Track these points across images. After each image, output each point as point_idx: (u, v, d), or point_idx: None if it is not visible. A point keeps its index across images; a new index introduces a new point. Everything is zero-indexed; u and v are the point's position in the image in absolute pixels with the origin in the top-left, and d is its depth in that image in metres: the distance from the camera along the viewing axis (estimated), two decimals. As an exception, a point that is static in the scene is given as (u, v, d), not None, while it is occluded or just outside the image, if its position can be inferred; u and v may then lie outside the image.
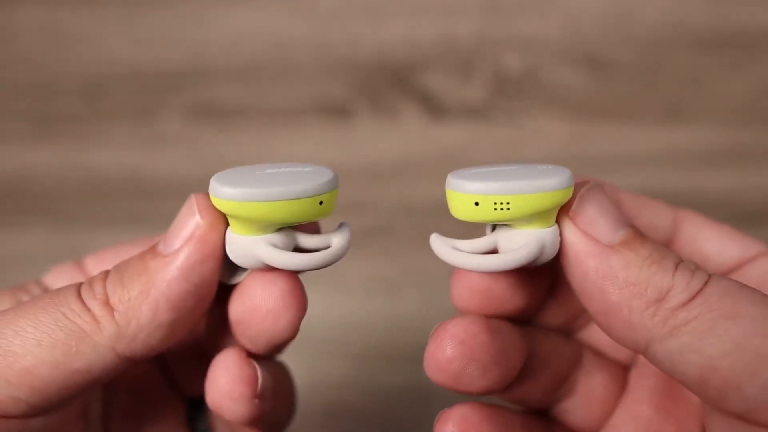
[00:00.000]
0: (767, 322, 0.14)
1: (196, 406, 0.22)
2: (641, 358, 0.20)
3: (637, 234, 0.16)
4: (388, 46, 0.40)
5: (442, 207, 0.40)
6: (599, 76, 0.39)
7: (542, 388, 0.20)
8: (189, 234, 0.17)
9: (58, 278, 0.20)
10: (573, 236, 0.16)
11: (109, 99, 0.40)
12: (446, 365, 0.17)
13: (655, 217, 0.20)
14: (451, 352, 0.17)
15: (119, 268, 0.17)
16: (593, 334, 0.21)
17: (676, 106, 0.39)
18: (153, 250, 0.17)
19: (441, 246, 0.18)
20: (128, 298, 0.16)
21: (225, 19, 0.41)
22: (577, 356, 0.20)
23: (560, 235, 0.17)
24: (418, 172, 0.38)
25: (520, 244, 0.17)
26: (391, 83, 0.40)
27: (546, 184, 0.16)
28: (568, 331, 0.21)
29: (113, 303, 0.16)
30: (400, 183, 0.38)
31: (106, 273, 0.17)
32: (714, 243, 0.19)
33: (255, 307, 0.17)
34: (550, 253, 0.17)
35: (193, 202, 0.17)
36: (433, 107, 0.39)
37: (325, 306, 0.34)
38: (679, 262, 0.16)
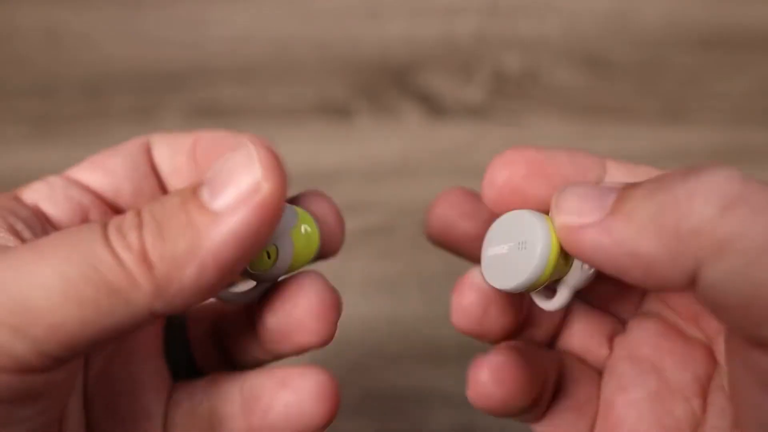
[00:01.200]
0: None
1: (173, 333, 0.21)
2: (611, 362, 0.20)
3: (626, 187, 0.15)
4: (388, 46, 0.40)
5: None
6: (599, 76, 0.39)
7: (545, 331, 0.20)
8: (247, 193, 0.15)
9: (53, 194, 0.18)
10: (572, 235, 0.16)
11: (109, 99, 0.40)
12: (468, 310, 0.18)
13: (585, 164, 0.18)
14: (471, 297, 0.18)
15: (155, 214, 0.15)
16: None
17: (676, 106, 0.39)
18: (196, 199, 0.15)
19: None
20: (171, 256, 0.14)
21: (225, 19, 0.41)
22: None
23: (563, 241, 0.16)
24: (418, 172, 0.38)
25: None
26: (391, 83, 0.40)
27: (537, 264, 0.17)
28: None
29: (152, 259, 0.14)
30: (400, 183, 0.38)
31: (139, 216, 0.15)
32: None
33: (299, 323, 0.17)
34: (587, 273, 0.18)
35: (252, 152, 0.15)
36: (433, 107, 0.39)
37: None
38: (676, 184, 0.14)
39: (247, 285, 0.18)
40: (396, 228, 0.37)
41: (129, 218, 0.15)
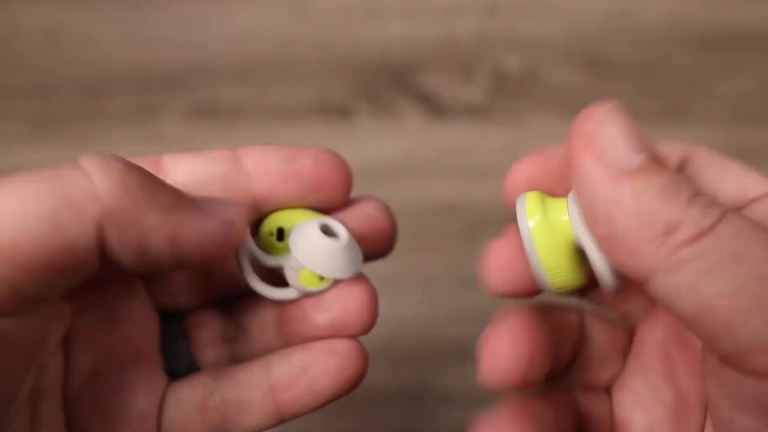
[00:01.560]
0: None
1: (170, 322, 0.21)
2: (621, 381, 0.20)
3: (655, 161, 0.15)
4: (388, 46, 0.40)
5: (442, 207, 0.40)
6: (599, 76, 0.39)
7: (559, 363, 0.20)
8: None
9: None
10: (585, 161, 0.16)
11: (109, 99, 0.40)
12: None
13: (667, 150, 0.19)
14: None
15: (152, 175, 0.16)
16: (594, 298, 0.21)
17: (676, 106, 0.39)
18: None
19: None
20: (146, 197, 0.15)
21: (225, 19, 0.41)
22: (582, 323, 0.20)
23: (572, 158, 0.16)
24: (418, 172, 0.38)
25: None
26: (391, 83, 0.40)
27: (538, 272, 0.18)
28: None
29: (127, 185, 0.15)
30: (400, 183, 0.38)
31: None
32: (710, 185, 0.18)
33: (354, 317, 0.19)
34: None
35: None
36: (433, 107, 0.39)
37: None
38: (695, 195, 0.15)
39: (288, 293, 0.19)
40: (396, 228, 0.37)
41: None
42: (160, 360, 0.20)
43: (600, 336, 0.20)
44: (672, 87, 0.39)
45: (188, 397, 0.19)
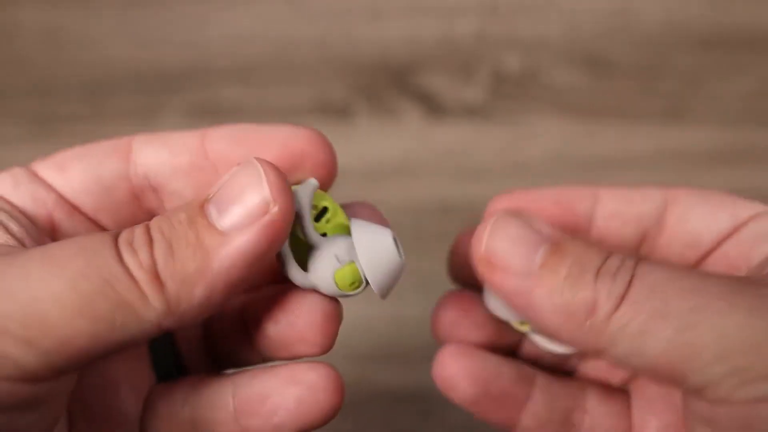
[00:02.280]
0: (693, 314, 0.14)
1: (159, 341, 0.20)
2: (638, 384, 0.20)
3: (555, 249, 0.16)
4: (388, 46, 0.40)
5: (442, 207, 0.40)
6: (599, 76, 0.39)
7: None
8: (255, 213, 0.15)
9: (18, 186, 0.18)
10: (494, 278, 0.17)
11: (109, 99, 0.40)
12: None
13: (642, 204, 0.19)
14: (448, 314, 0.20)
15: (164, 233, 0.15)
16: (593, 366, 0.21)
17: (676, 106, 0.39)
18: (204, 218, 0.15)
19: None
20: (181, 277, 0.15)
21: (225, 19, 0.41)
22: (579, 395, 0.20)
23: (482, 276, 0.17)
24: (418, 172, 0.38)
25: None
26: (391, 83, 0.40)
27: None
28: (568, 370, 0.21)
29: (163, 278, 0.15)
30: (400, 183, 0.38)
31: (149, 233, 0.15)
32: (704, 218, 0.19)
33: (300, 335, 0.17)
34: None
35: (259, 171, 0.15)
36: (433, 107, 0.39)
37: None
38: (601, 266, 0.16)
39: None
40: (396, 228, 0.37)
41: (139, 235, 0.15)
42: (147, 357, 0.20)
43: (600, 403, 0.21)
44: (672, 87, 0.39)
45: (163, 404, 0.19)
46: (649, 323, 0.15)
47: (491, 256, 0.16)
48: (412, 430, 0.32)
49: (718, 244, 0.19)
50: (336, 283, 0.17)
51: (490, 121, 0.39)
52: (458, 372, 0.20)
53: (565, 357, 0.21)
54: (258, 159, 0.15)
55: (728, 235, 0.19)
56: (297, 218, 0.16)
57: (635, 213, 0.19)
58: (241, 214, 0.15)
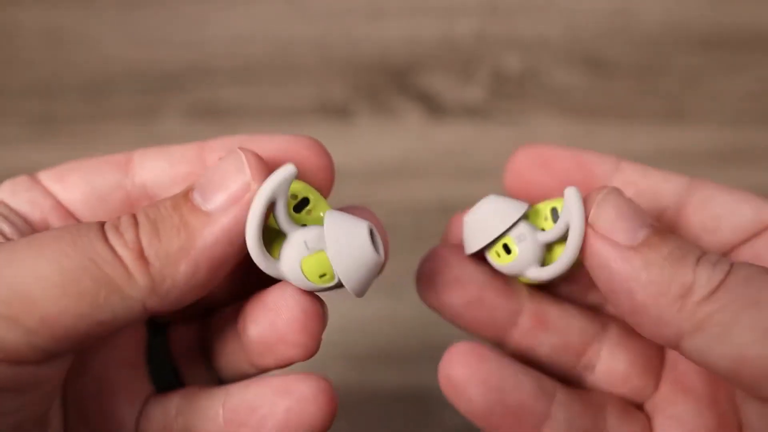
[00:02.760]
0: None
1: (154, 333, 0.20)
2: (658, 401, 0.20)
3: (658, 232, 0.16)
4: (388, 46, 0.40)
5: (442, 207, 0.40)
6: (599, 76, 0.39)
7: (570, 349, 0.20)
8: (236, 193, 0.15)
9: (16, 192, 0.18)
10: (595, 243, 0.16)
11: (110, 99, 0.40)
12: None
13: (662, 182, 0.19)
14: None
15: (150, 216, 0.16)
16: (607, 378, 0.20)
17: (676, 106, 0.39)
18: (188, 202, 0.16)
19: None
20: (165, 254, 0.15)
21: (225, 19, 0.41)
22: (599, 414, 0.19)
23: (584, 243, 0.17)
24: (418, 172, 0.38)
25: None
26: (391, 83, 0.40)
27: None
28: (596, 306, 0.21)
29: (148, 256, 0.15)
30: (400, 183, 0.38)
31: (135, 218, 0.16)
32: (726, 207, 0.19)
33: (281, 335, 0.17)
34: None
35: (241, 158, 0.16)
36: (433, 107, 0.39)
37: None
38: (702, 255, 0.16)
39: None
40: (396, 228, 0.37)
41: (125, 219, 0.16)
42: (145, 369, 0.20)
43: (623, 352, 0.20)
44: (672, 87, 0.39)
45: (158, 415, 0.19)
46: (743, 310, 0.15)
47: (595, 222, 0.17)
48: (411, 430, 0.32)
49: (743, 241, 0.19)
50: (303, 271, 0.16)
51: (490, 121, 0.39)
52: (469, 376, 0.18)
53: (546, 282, 0.19)
54: (242, 149, 0.16)
55: (752, 233, 0.19)
56: (272, 206, 0.16)
57: (653, 188, 0.19)
58: (225, 199, 0.15)
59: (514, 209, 0.18)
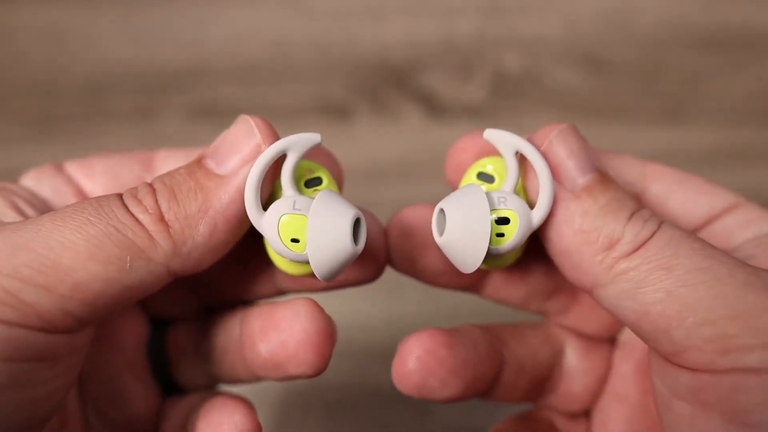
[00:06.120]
0: (696, 273, 0.15)
1: (157, 328, 0.21)
2: (623, 336, 0.21)
3: (601, 180, 0.17)
4: (388, 46, 0.40)
5: (442, 207, 0.39)
6: (599, 76, 0.39)
7: (521, 392, 0.20)
8: (248, 155, 0.16)
9: (41, 179, 0.19)
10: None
11: (110, 99, 0.40)
12: (408, 377, 0.18)
13: (624, 170, 0.20)
14: (412, 365, 0.18)
15: (166, 183, 0.16)
16: (575, 318, 0.21)
17: (676, 106, 0.39)
18: (202, 168, 0.16)
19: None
20: (185, 216, 0.16)
21: (225, 19, 0.41)
22: (559, 348, 0.21)
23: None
24: (418, 172, 0.38)
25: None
26: (391, 83, 0.40)
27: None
28: (546, 314, 0.21)
29: (168, 219, 0.16)
30: (400, 183, 0.38)
31: (151, 186, 0.16)
32: (682, 202, 0.19)
33: (293, 355, 0.17)
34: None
35: (251, 123, 0.17)
36: (433, 107, 0.39)
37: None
38: (636, 211, 0.16)
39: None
40: (396, 228, 0.37)
41: (141, 188, 0.16)
42: (148, 369, 0.20)
43: (579, 360, 0.21)
44: (672, 87, 0.39)
45: (174, 414, 0.19)
46: (654, 272, 0.15)
47: (548, 153, 0.17)
48: (411, 430, 0.32)
49: (695, 230, 0.19)
50: (279, 229, 0.16)
51: (490, 121, 0.39)
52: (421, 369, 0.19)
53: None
54: (249, 116, 0.17)
55: (706, 223, 0.19)
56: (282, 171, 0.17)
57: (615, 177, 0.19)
58: (237, 161, 0.16)
59: (477, 200, 0.18)
